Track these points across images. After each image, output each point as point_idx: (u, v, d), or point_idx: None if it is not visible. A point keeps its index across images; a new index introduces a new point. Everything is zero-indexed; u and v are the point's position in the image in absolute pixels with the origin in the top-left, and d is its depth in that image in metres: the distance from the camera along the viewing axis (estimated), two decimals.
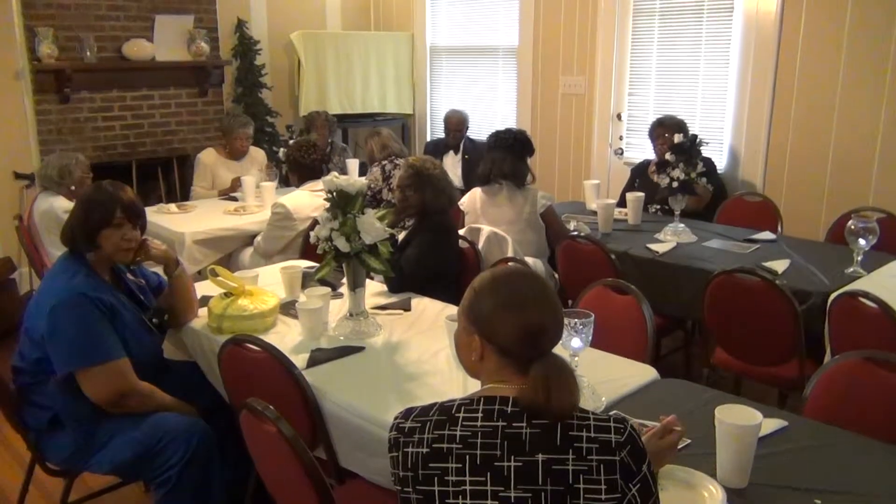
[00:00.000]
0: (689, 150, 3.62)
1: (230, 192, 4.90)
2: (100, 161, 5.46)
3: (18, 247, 4.64)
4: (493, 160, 3.73)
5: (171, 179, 6.01)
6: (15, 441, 3.03)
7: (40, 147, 5.21)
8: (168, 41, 5.67)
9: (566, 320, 1.91)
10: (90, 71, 5.34)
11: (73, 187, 4.03)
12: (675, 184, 3.62)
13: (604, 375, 2.14)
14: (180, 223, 4.21)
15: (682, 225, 3.74)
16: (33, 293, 4.71)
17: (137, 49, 5.51)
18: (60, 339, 2.26)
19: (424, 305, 2.82)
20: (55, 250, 3.81)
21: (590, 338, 2.01)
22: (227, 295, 2.62)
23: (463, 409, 1.33)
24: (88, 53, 5.28)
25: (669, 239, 3.67)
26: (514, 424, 1.30)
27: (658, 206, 4.25)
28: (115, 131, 5.60)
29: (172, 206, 4.58)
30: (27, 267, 4.70)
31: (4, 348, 3.87)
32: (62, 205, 3.94)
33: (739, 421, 1.64)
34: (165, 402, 2.42)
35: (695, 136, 3.68)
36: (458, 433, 1.30)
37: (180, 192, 5.91)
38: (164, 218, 4.33)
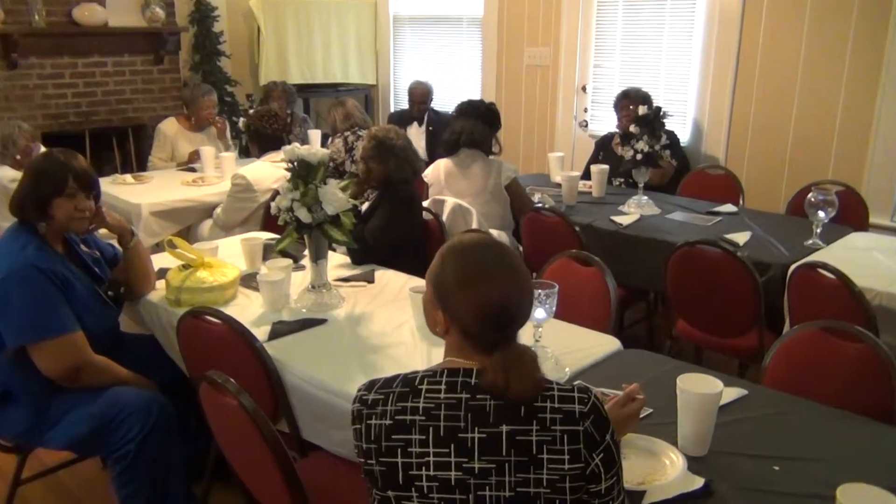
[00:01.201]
0: (652, 122, 3.64)
1: (189, 164, 4.80)
2: (51, 130, 5.32)
3: None
4: (463, 127, 3.71)
5: (127, 149, 5.89)
6: None
7: None
8: (121, 6, 5.53)
9: None
10: (39, 35, 5.18)
11: (17, 156, 3.92)
12: (638, 156, 3.64)
13: (567, 346, 2.15)
14: (137, 194, 4.12)
15: (646, 198, 3.77)
16: None
17: (89, 14, 5.35)
18: (11, 313, 2.20)
19: (388, 277, 2.81)
20: (2, 221, 3.70)
21: (554, 308, 2.02)
22: (185, 267, 2.58)
23: (426, 381, 1.32)
24: (36, 17, 5.12)
25: (633, 211, 3.70)
26: (477, 396, 1.30)
27: (622, 179, 4.28)
28: (66, 99, 5.45)
29: (128, 177, 4.48)
30: None
31: None
32: (7, 174, 3.84)
33: (700, 390, 1.66)
34: (122, 376, 2.38)
35: (658, 109, 3.69)
36: (420, 405, 1.30)
37: (136, 162, 5.80)
38: (119, 189, 4.24)
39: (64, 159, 2.35)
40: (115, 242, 2.65)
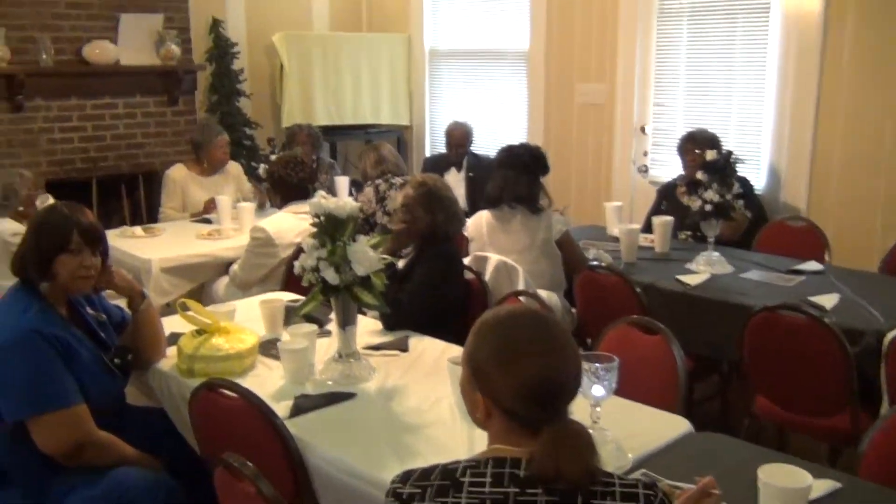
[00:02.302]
0: (723, 168, 3.63)
1: (204, 214, 4.91)
2: (56, 177, 5.48)
3: None
4: (506, 180, 3.74)
5: (137, 199, 6.03)
6: None
7: None
8: (134, 43, 5.72)
9: (586, 365, 1.90)
10: (46, 76, 5.38)
11: (20, 208, 4.03)
12: (707, 207, 3.62)
13: (630, 428, 2.12)
14: (147, 248, 4.21)
15: (717, 253, 3.74)
16: None
17: (100, 52, 5.55)
18: (9, 383, 2.25)
19: (424, 346, 2.81)
20: (2, 280, 3.80)
21: (613, 385, 2.00)
22: (199, 332, 2.61)
23: (469, 472, 1.32)
24: (44, 56, 5.33)
25: (702, 269, 3.67)
26: (527, 491, 1.28)
27: (689, 233, 4.25)
28: (73, 144, 5.62)
29: (138, 230, 4.59)
30: None
31: None
32: (9, 227, 3.94)
33: (786, 483, 1.63)
34: (127, 455, 2.40)
35: (729, 153, 3.69)
36: (463, 501, 1.29)
37: (147, 213, 5.93)
38: (128, 243, 4.33)
39: (68, 213, 2.42)
40: (123, 304, 2.70)
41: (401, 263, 3.24)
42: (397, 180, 4.66)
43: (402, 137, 6.88)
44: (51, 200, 3.83)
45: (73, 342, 2.37)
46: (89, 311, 2.58)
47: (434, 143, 6.88)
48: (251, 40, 6.52)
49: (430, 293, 3.05)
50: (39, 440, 2.27)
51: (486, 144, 6.13)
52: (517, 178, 3.72)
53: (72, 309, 2.52)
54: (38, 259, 2.37)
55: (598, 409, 2.01)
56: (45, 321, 2.33)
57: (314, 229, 2.51)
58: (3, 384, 2.26)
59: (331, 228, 2.43)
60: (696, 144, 4.28)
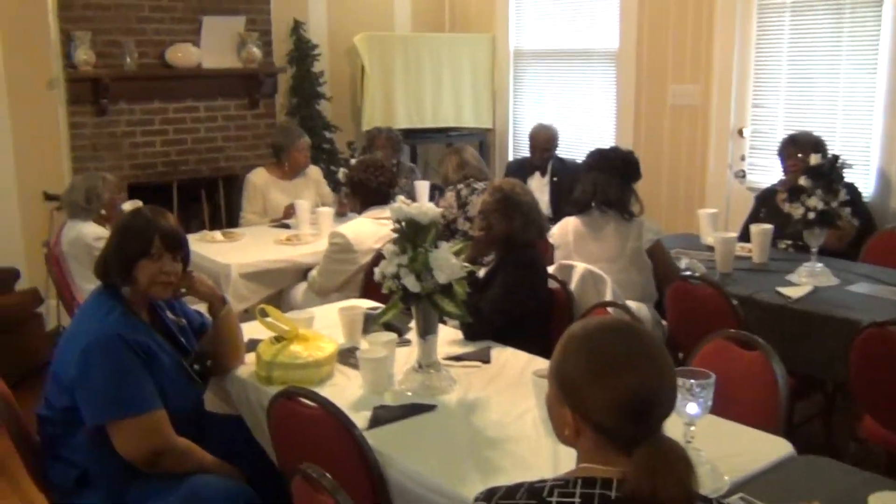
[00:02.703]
0: (828, 173, 3.53)
1: (283, 220, 5.00)
2: (137, 181, 5.67)
3: (46, 277, 4.84)
4: (596, 183, 3.70)
5: (216, 202, 6.19)
6: (36, 500, 3.12)
7: (73, 165, 5.45)
8: (216, 46, 5.87)
9: (680, 381, 1.87)
10: (130, 79, 5.57)
11: (102, 211, 4.17)
12: (811, 214, 3.53)
13: (727, 449, 2.08)
14: (226, 253, 4.32)
15: (821, 264, 3.64)
16: (62, 330, 4.93)
17: (182, 55, 5.72)
18: (91, 386, 2.33)
19: (506, 357, 2.80)
20: (86, 283, 3.94)
21: (709, 403, 1.96)
22: (277, 339, 2.66)
23: (556, 492, 1.30)
24: (128, 60, 5.52)
25: (804, 281, 3.57)
26: None
27: (790, 242, 4.15)
28: (154, 147, 5.81)
29: (217, 234, 4.71)
30: (55, 299, 4.88)
31: (28, 392, 4.01)
32: (92, 231, 4.08)
33: None
34: (205, 463, 2.46)
35: (835, 157, 3.58)
36: None
37: (226, 217, 6.08)
38: (207, 247, 4.45)
39: (151, 217, 2.50)
40: (202, 309, 2.77)
41: (482, 272, 3.24)
42: (479, 185, 4.67)
43: (484, 141, 6.88)
44: (133, 204, 3.96)
45: (153, 347, 2.45)
46: (170, 315, 2.66)
47: (517, 147, 6.86)
48: (332, 42, 6.62)
49: (509, 301, 3.05)
50: (119, 445, 2.34)
51: (572, 148, 6.08)
52: (608, 181, 3.68)
53: (153, 313, 2.60)
54: (119, 263, 2.46)
55: (691, 427, 1.98)
56: (127, 325, 2.41)
57: (394, 235, 2.53)
58: (85, 387, 2.34)
59: (412, 234, 2.45)
60: (799, 148, 4.18)
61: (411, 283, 2.41)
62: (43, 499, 2.60)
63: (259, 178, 5.26)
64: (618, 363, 1.36)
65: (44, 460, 2.50)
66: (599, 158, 3.78)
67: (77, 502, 2.46)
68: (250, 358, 2.71)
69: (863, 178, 4.65)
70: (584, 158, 3.93)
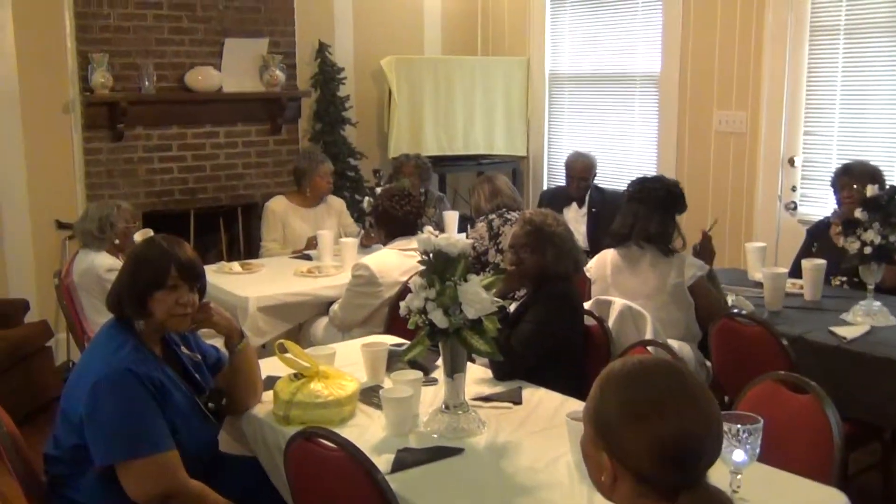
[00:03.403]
0: (886, 205, 3.50)
1: (305, 251, 5.04)
2: (153, 209, 5.75)
3: (57, 308, 4.90)
4: (636, 216, 3.70)
5: (235, 232, 6.25)
6: None
7: (87, 192, 5.54)
8: (238, 69, 5.96)
9: (726, 426, 1.85)
10: (147, 103, 5.67)
11: (116, 241, 4.23)
12: (867, 249, 3.49)
13: (776, 500, 2.07)
14: (244, 286, 4.35)
15: (878, 303, 3.60)
16: (71, 365, 4.97)
17: (203, 78, 5.81)
18: (101, 424, 2.35)
19: (539, 398, 2.79)
20: (97, 316, 3.99)
21: (757, 450, 1.95)
22: (296, 376, 2.67)
23: None
24: (147, 83, 5.62)
25: (860, 321, 3.53)
26: None
27: (844, 278, 4.10)
28: (172, 174, 5.88)
29: (235, 265, 4.75)
30: (65, 333, 4.94)
31: (35, 429, 4.05)
32: (104, 262, 4.14)
33: None
34: None
35: (894, 188, 3.56)
36: None
37: (245, 247, 6.13)
38: (224, 279, 4.49)
39: (167, 247, 2.53)
40: (218, 344, 2.79)
41: (512, 307, 3.24)
42: (513, 215, 4.67)
43: (517, 169, 6.90)
44: (144, 234, 4.01)
45: (166, 383, 2.47)
46: (184, 350, 2.68)
47: (552, 176, 6.88)
48: (358, 65, 6.69)
49: (541, 335, 3.05)
50: (128, 486, 2.35)
51: (611, 178, 6.08)
52: (649, 214, 3.67)
53: (166, 348, 2.62)
54: (133, 295, 2.49)
55: (738, 476, 1.96)
56: (140, 360, 2.43)
57: (420, 267, 2.54)
58: (95, 425, 2.36)
59: (440, 267, 2.46)
60: (854, 178, 4.14)
61: (439, 319, 2.41)
62: None
63: (279, 205, 5.32)
64: (659, 406, 1.36)
65: (51, 501, 2.52)
66: (641, 189, 3.77)
67: None
68: (267, 396, 2.73)
69: None
70: (626, 187, 3.92)
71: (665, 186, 3.77)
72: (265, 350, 4.10)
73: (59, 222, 5.41)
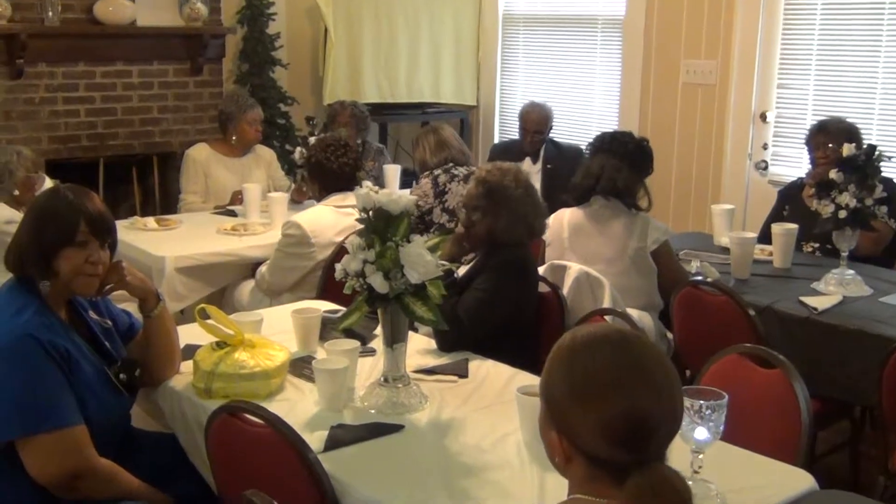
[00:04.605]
0: (863, 166, 3.57)
1: (229, 206, 4.99)
2: (58, 157, 5.64)
3: None
4: (603, 168, 3.72)
5: (149, 184, 6.16)
6: None
7: None
8: (154, 1, 5.84)
9: (687, 402, 1.88)
10: (51, 37, 5.54)
11: (15, 192, 4.14)
12: (842, 213, 3.56)
13: (740, 481, 2.10)
14: (160, 244, 4.29)
15: (852, 271, 3.67)
16: None
17: (113, 9, 5.69)
18: (0, 396, 2.31)
19: (487, 371, 2.81)
20: None
21: (721, 427, 1.98)
22: (219, 345, 2.65)
23: None
24: (50, 13, 5.47)
25: (832, 290, 3.61)
26: None
27: (816, 245, 4.19)
28: (78, 118, 5.77)
29: (150, 221, 4.68)
30: None
31: None
32: (3, 214, 4.05)
33: None
34: (132, 488, 2.44)
35: (872, 148, 3.62)
36: None
37: (160, 201, 6.05)
38: (138, 236, 4.42)
39: (74, 199, 2.48)
40: (132, 308, 2.75)
41: (461, 271, 3.25)
42: (460, 171, 4.67)
43: (466, 120, 6.90)
44: (50, 183, 3.93)
45: (73, 351, 2.42)
46: (93, 315, 2.63)
47: (505, 128, 6.89)
48: (290, 0, 6.60)
49: (491, 306, 3.06)
50: (30, 465, 2.32)
51: (568, 131, 6.11)
52: (619, 167, 3.70)
53: (73, 312, 2.58)
54: (38, 253, 2.43)
55: (700, 455, 1.99)
56: (43, 326, 2.38)
57: (358, 226, 2.53)
58: None
59: (381, 226, 2.45)
60: (830, 136, 4.21)
61: (378, 283, 2.40)
62: None
63: (200, 154, 5.23)
64: (604, 382, 1.38)
65: None
66: (611, 141, 3.81)
67: None
68: (186, 367, 2.70)
69: None
70: (590, 142, 3.94)
71: (636, 142, 3.82)
72: (184, 316, 4.06)
73: None
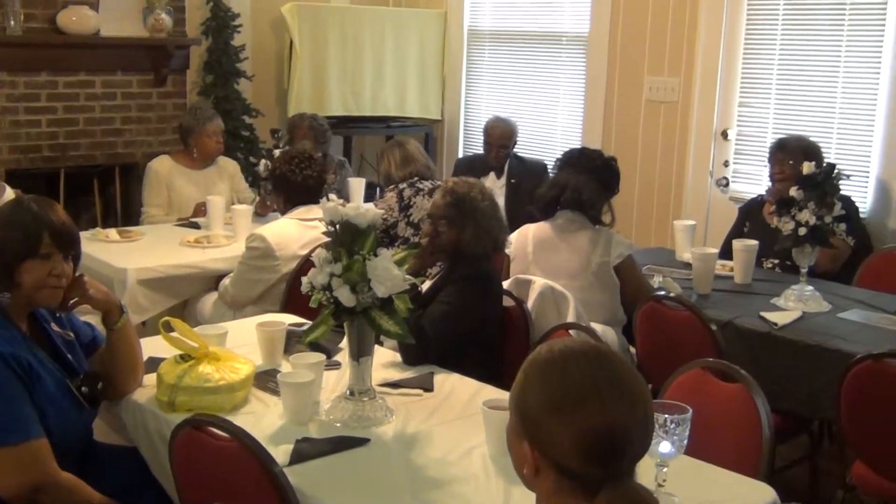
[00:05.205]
0: (822, 184, 3.61)
1: (192, 219, 4.96)
2: (18, 167, 5.58)
3: None
4: (568, 182, 3.75)
5: (111, 195, 6.11)
6: None
7: None
8: (118, 11, 5.83)
9: None
10: (13, 46, 5.49)
11: None
12: (801, 230, 3.60)
13: (703, 495, 2.12)
14: (122, 255, 4.27)
15: (811, 287, 3.72)
16: None
17: (77, 19, 5.65)
18: None
19: (452, 384, 2.81)
20: None
21: (685, 441, 2.00)
22: (183, 358, 2.63)
23: None
24: (12, 22, 5.43)
25: (792, 306, 3.65)
26: None
27: (776, 261, 4.24)
28: (40, 128, 5.72)
29: (112, 232, 4.64)
30: None
31: None
32: None
33: None
34: (93, 502, 2.41)
35: (831, 167, 3.67)
36: None
37: (122, 213, 6.00)
38: (99, 247, 4.38)
39: (37, 210, 2.46)
40: (93, 321, 2.73)
41: (425, 285, 3.26)
42: (425, 185, 4.69)
43: (430, 134, 6.91)
44: (11, 194, 3.88)
45: (35, 364, 2.40)
46: (55, 328, 2.61)
47: (469, 143, 6.91)
48: (256, 12, 6.60)
49: (455, 320, 3.07)
50: None
51: (533, 147, 6.15)
52: (585, 181, 3.73)
53: (35, 325, 2.56)
54: (0, 266, 2.41)
55: (664, 469, 2.00)
56: (4, 338, 2.36)
57: (323, 239, 2.54)
58: None
59: (347, 239, 2.45)
60: (789, 154, 4.27)
61: (345, 297, 2.41)
62: None
63: (163, 166, 5.20)
64: (582, 395, 1.38)
65: None
66: (579, 156, 3.85)
67: None
68: (150, 380, 2.68)
69: (860, 192, 4.77)
70: (558, 157, 3.97)
71: (604, 159, 3.86)
72: (146, 328, 4.03)
73: None
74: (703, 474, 2.25)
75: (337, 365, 2.90)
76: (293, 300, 3.67)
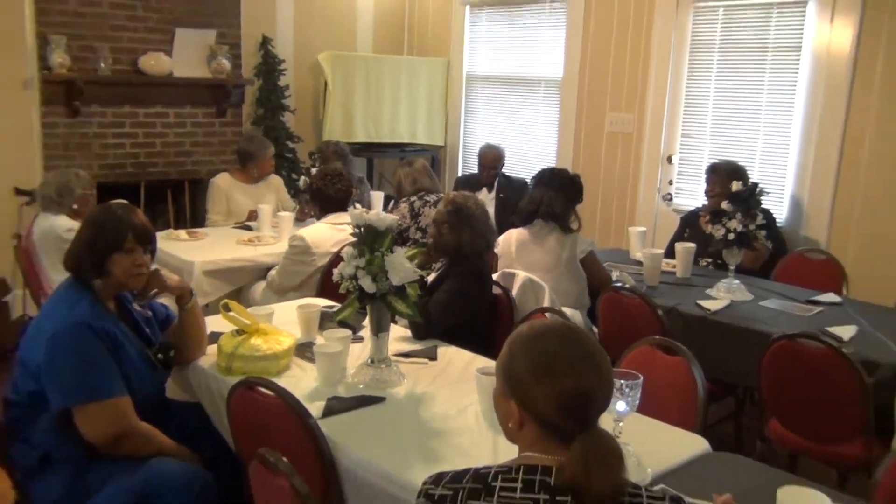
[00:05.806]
0: (747, 199, 3.62)
1: (246, 223, 4.96)
2: (106, 180, 5.56)
3: (14, 268, 4.71)
4: (543, 197, 3.75)
5: (182, 203, 6.10)
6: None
7: (45, 162, 5.33)
8: (187, 56, 5.81)
9: None
10: (103, 84, 5.47)
11: (74, 206, 4.09)
12: (731, 235, 3.61)
13: (650, 445, 2.12)
14: (190, 251, 4.27)
15: (737, 281, 3.72)
16: (28, 318, 4.80)
17: (155, 63, 5.64)
18: (59, 372, 2.28)
19: (451, 355, 2.82)
20: (55, 274, 3.85)
21: (637, 402, 2.00)
22: (238, 332, 2.64)
23: (500, 477, 1.32)
24: (102, 65, 5.42)
25: (722, 296, 3.65)
26: (557, 499, 1.29)
27: (710, 260, 4.23)
28: (124, 149, 5.71)
29: (182, 233, 4.64)
30: (22, 289, 4.76)
31: None
32: (63, 223, 3.99)
33: None
34: (166, 447, 2.43)
35: (755, 185, 3.68)
36: None
37: (190, 217, 6.00)
38: (172, 245, 4.39)
39: (123, 213, 2.47)
40: (169, 302, 2.73)
41: (430, 277, 3.26)
42: (431, 198, 4.69)
43: (436, 157, 6.91)
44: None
45: (119, 336, 2.41)
46: (136, 307, 2.61)
47: (466, 164, 6.90)
48: (298, 58, 6.59)
49: (454, 305, 3.07)
50: (83, 428, 2.31)
51: (517, 167, 6.14)
52: (556, 196, 3.74)
53: (119, 305, 2.56)
54: (92, 257, 2.42)
55: (620, 423, 2.01)
56: (95, 315, 2.38)
57: (351, 239, 2.54)
58: (53, 373, 2.30)
59: (370, 239, 2.46)
60: (719, 175, 4.27)
61: (367, 284, 2.41)
62: (5, 478, 2.53)
63: (223, 181, 5.21)
64: (561, 363, 1.39)
65: (8, 442, 2.44)
66: (550, 176, 3.84)
67: (39, 483, 2.41)
68: (212, 349, 2.69)
69: (777, 206, 4.78)
70: (534, 175, 3.97)
71: (570, 176, 3.86)
72: (208, 309, 4.02)
73: (17, 189, 5.18)
74: (651, 428, 2.26)
75: (360, 339, 2.91)
76: (326, 287, 3.67)
